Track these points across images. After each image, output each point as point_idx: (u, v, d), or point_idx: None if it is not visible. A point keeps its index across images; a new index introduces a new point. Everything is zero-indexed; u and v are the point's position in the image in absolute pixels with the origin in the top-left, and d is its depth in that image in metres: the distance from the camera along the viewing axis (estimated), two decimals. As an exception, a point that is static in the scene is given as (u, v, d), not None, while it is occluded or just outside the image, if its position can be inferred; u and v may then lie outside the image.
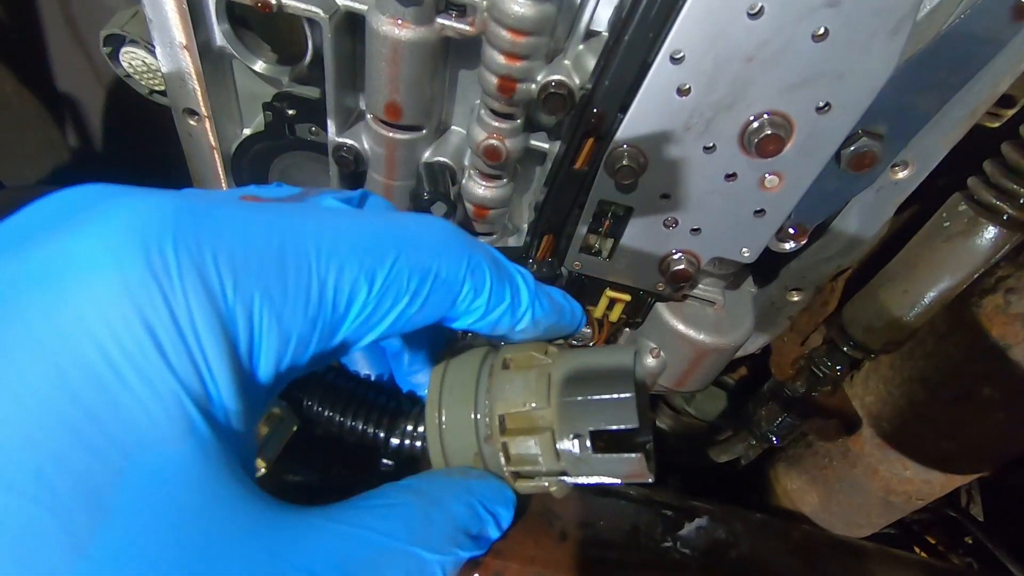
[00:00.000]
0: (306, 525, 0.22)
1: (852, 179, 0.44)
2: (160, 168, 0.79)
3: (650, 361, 0.57)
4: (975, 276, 0.48)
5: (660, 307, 0.56)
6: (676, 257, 0.48)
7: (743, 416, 0.72)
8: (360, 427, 0.30)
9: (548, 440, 0.26)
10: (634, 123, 0.39)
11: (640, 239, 0.47)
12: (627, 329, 0.61)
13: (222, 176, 0.62)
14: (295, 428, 0.31)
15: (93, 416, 0.18)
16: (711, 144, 0.40)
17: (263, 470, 0.28)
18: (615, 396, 0.26)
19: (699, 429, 0.89)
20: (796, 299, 0.65)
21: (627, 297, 0.52)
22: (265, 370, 0.22)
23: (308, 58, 0.52)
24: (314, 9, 0.40)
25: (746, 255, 0.47)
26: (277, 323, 0.21)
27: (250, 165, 0.61)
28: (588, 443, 0.26)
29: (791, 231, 0.48)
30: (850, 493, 0.68)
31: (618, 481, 0.27)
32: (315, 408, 0.30)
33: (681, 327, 0.55)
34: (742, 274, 0.60)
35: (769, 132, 0.38)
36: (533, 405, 0.27)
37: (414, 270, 0.24)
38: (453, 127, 0.51)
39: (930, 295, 0.50)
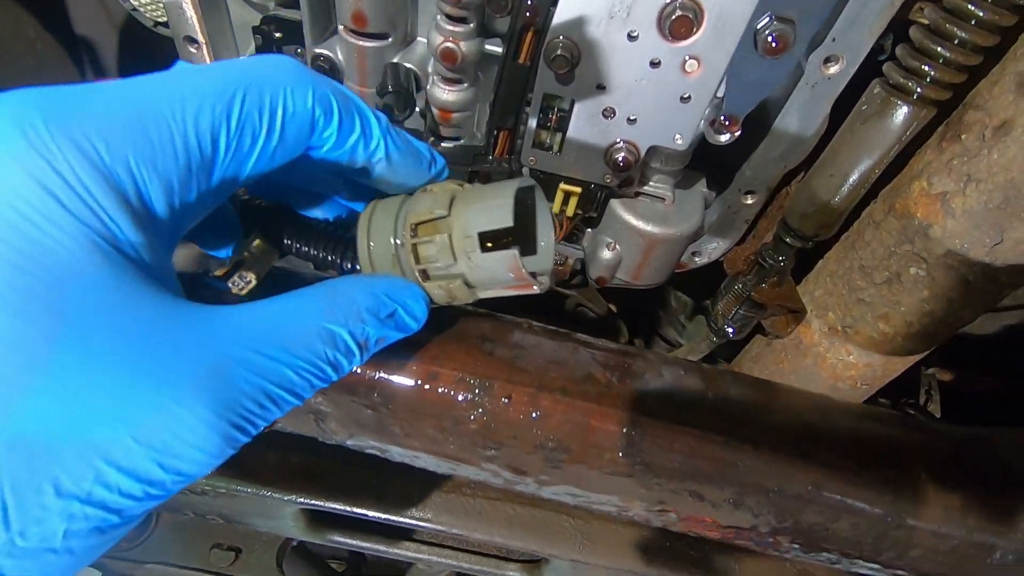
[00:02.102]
0: (225, 312, 0.29)
1: (771, 65, 0.49)
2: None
3: (606, 254, 0.63)
4: (892, 154, 0.53)
5: (614, 203, 0.62)
6: (618, 146, 0.53)
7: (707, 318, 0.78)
8: (322, 255, 0.37)
9: (446, 240, 0.33)
10: (564, 13, 0.45)
11: (584, 131, 0.53)
12: (588, 230, 0.67)
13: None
14: (277, 256, 0.38)
15: (25, 254, 0.24)
16: (634, 32, 0.45)
17: (253, 282, 0.35)
18: (496, 202, 0.32)
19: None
20: (750, 202, 0.70)
21: (578, 190, 0.58)
22: (161, 209, 0.28)
23: (290, -19, 0.58)
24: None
25: (679, 142, 0.52)
26: (155, 172, 0.27)
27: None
28: (476, 243, 0.32)
29: (724, 122, 0.53)
30: (803, 383, 0.74)
31: (511, 291, 0.34)
32: (292, 242, 0.38)
33: (632, 220, 0.61)
34: (692, 176, 0.65)
35: (681, 14, 0.43)
36: (437, 213, 0.33)
37: (263, 106, 0.30)
38: (419, 38, 0.57)
39: (852, 177, 0.54)
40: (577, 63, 0.47)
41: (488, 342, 0.39)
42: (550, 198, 0.60)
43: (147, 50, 0.82)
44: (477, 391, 0.37)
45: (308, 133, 0.32)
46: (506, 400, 0.37)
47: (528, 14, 0.46)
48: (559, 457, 0.39)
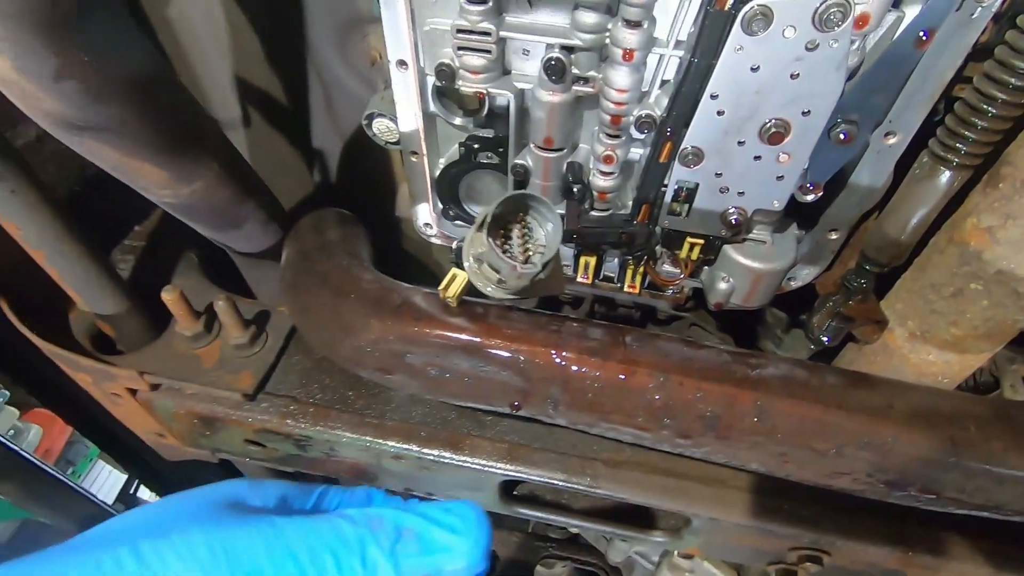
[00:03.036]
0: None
1: (842, 150, 0.69)
2: (371, 191, 1.17)
3: (723, 286, 0.85)
4: (943, 204, 0.71)
5: (726, 247, 0.83)
6: (731, 211, 0.75)
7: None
8: None
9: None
10: (694, 133, 0.68)
11: (706, 202, 0.75)
12: (705, 267, 0.88)
13: (429, 192, 0.97)
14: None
15: None
16: (742, 140, 0.68)
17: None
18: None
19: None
20: (834, 237, 0.89)
21: (701, 241, 0.80)
22: None
23: (484, 112, 0.86)
24: (506, 92, 0.73)
25: (776, 205, 0.73)
26: None
27: (448, 183, 0.96)
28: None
29: (809, 187, 0.74)
30: (893, 380, 0.91)
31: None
32: None
33: (742, 259, 0.82)
34: (785, 222, 0.85)
35: (775, 130, 0.65)
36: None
37: None
38: (581, 144, 0.82)
39: (913, 221, 0.73)
40: (701, 160, 0.70)
41: (663, 352, 0.62)
42: (679, 248, 0.83)
43: (362, 157, 1.13)
44: (660, 379, 0.59)
45: None
46: (680, 385, 0.59)
47: (668, 132, 0.69)
48: (714, 424, 0.60)
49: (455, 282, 0.67)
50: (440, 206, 0.98)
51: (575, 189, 0.76)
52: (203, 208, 0.81)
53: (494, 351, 0.64)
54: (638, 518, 0.95)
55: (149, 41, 0.64)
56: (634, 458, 0.81)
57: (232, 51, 1.03)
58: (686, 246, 0.81)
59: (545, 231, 0.67)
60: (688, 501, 0.82)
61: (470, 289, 0.70)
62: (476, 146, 0.89)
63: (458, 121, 0.88)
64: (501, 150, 0.86)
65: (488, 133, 0.87)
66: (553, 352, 0.63)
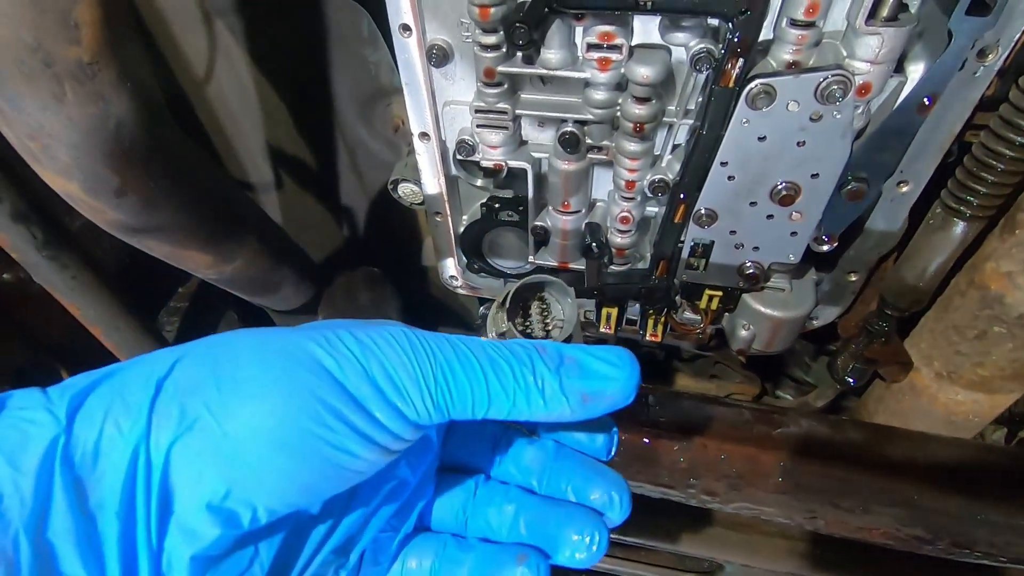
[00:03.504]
0: None
1: (854, 205, 0.71)
2: (397, 244, 1.22)
3: (743, 333, 0.86)
4: (959, 253, 0.72)
5: (746, 296, 0.85)
6: (747, 264, 0.77)
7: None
8: None
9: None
10: (706, 197, 0.70)
11: (722, 257, 0.77)
12: (725, 314, 0.90)
13: (454, 247, 1.01)
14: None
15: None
16: (754, 201, 0.70)
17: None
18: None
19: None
20: (853, 279, 0.90)
21: (720, 293, 0.82)
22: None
23: (504, 175, 0.89)
24: (523, 164, 0.77)
25: (792, 259, 0.75)
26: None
27: (471, 239, 0.99)
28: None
29: (824, 238, 0.76)
30: (923, 419, 0.91)
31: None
32: None
33: (761, 308, 0.83)
34: (803, 268, 0.86)
35: (785, 192, 0.67)
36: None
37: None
38: (598, 203, 0.85)
39: (931, 269, 0.74)
40: (715, 221, 0.73)
41: (686, 413, 0.64)
42: (699, 298, 0.85)
43: (387, 215, 1.18)
44: (684, 443, 0.61)
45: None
46: (703, 448, 0.61)
47: (682, 196, 0.72)
48: (738, 483, 0.62)
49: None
50: (464, 260, 1.02)
51: (594, 247, 0.79)
52: (243, 280, 0.87)
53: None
54: (670, 561, 0.96)
55: (200, 147, 0.69)
56: (662, 506, 0.82)
57: (263, 121, 1.10)
58: (705, 297, 0.83)
59: (563, 307, 0.70)
60: (719, 548, 0.83)
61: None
62: (497, 205, 0.92)
63: (479, 183, 0.92)
64: (521, 208, 0.90)
65: (508, 193, 0.91)
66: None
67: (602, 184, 0.83)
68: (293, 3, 0.92)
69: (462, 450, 0.48)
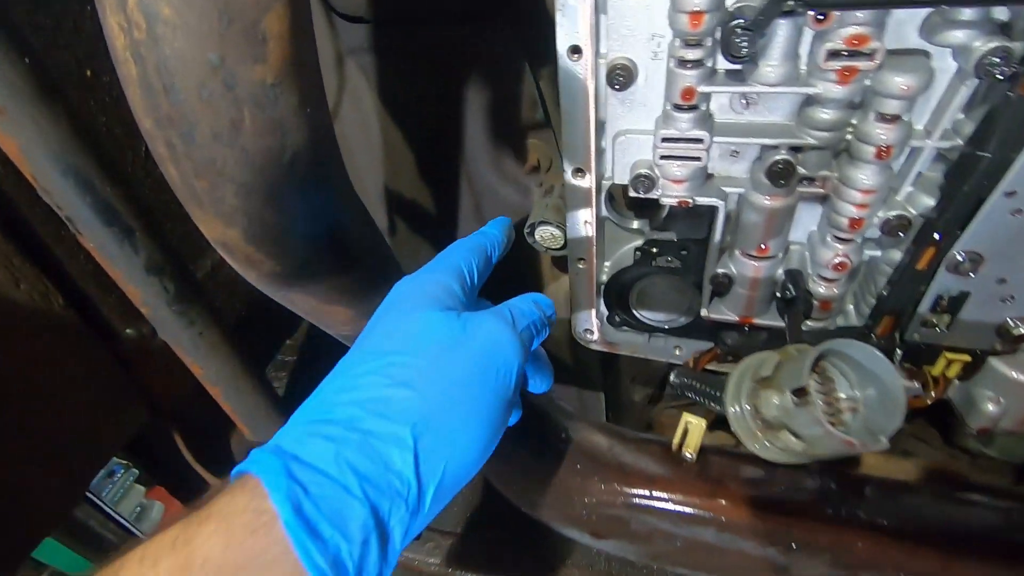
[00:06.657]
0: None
1: None
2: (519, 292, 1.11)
3: (991, 408, 0.68)
4: None
5: (992, 360, 0.67)
6: (1012, 324, 0.60)
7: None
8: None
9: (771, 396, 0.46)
10: (974, 237, 0.55)
11: (977, 312, 0.61)
12: (957, 381, 0.72)
13: (593, 297, 0.89)
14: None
15: None
16: (1038, 240, 0.54)
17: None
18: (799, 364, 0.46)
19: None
20: None
21: (967, 358, 0.64)
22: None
23: (664, 214, 0.77)
24: (714, 201, 0.64)
25: (1084, 315, 0.57)
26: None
27: (618, 289, 0.87)
28: (788, 397, 0.43)
29: (1123, 289, 0.58)
30: None
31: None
32: None
33: (1018, 376, 0.65)
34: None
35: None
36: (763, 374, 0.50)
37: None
38: (792, 246, 0.70)
39: None
40: (979, 266, 0.57)
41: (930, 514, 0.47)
42: (931, 363, 0.67)
43: (518, 258, 1.08)
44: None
45: None
46: None
47: (937, 237, 0.57)
48: None
49: (691, 432, 0.55)
50: (605, 312, 0.90)
51: (793, 299, 0.64)
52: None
53: (751, 523, 0.52)
54: None
55: (356, 193, 0.60)
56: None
57: (384, 164, 1.03)
58: (942, 362, 0.66)
59: (852, 382, 0.52)
60: None
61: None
62: (655, 250, 0.80)
63: (635, 225, 0.80)
64: (684, 253, 0.77)
65: (669, 236, 0.78)
66: (825, 524, 0.50)
67: (799, 228, 0.69)
68: (431, 41, 0.86)
69: None
